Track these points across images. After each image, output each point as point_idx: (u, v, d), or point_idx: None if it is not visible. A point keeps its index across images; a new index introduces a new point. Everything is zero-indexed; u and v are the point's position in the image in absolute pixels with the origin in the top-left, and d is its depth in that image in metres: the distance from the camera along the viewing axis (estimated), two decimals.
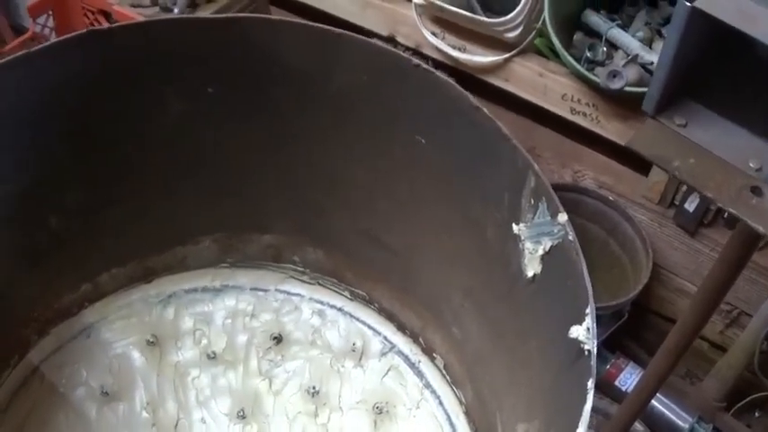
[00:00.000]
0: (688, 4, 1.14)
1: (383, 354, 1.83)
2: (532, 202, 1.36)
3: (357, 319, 1.87)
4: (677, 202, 2.27)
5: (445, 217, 1.58)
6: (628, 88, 1.99)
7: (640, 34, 2.12)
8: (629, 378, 2.36)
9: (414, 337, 1.82)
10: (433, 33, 2.36)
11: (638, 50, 2.07)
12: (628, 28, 2.16)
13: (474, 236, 1.52)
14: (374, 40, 1.52)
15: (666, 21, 2.15)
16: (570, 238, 1.29)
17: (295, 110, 1.61)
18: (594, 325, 1.21)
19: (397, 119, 1.54)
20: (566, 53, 2.10)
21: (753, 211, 1.19)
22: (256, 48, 1.53)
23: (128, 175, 1.68)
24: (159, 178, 1.70)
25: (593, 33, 2.19)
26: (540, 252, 1.35)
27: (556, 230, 1.32)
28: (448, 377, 1.76)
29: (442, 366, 1.77)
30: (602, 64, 2.13)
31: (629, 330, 2.43)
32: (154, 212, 1.74)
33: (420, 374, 1.80)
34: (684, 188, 2.23)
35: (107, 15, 2.43)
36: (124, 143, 1.63)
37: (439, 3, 2.24)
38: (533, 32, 2.23)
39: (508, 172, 1.39)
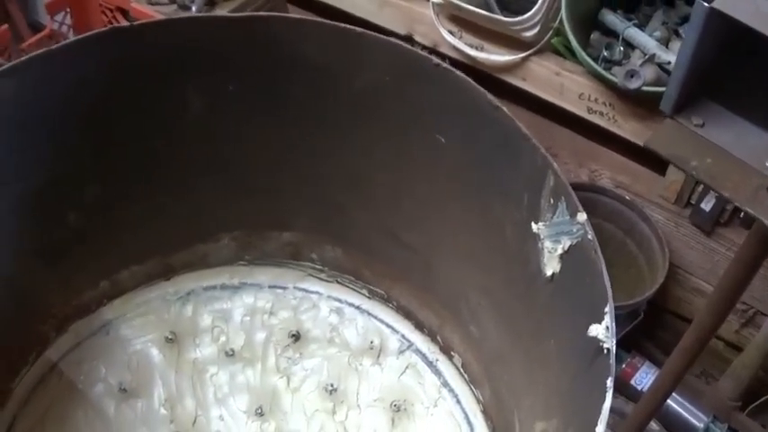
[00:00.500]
0: (706, 4, 1.15)
1: (401, 352, 1.84)
2: (552, 201, 1.36)
3: (375, 317, 1.87)
4: (693, 202, 2.28)
5: (464, 216, 1.58)
6: (645, 88, 1.99)
7: (657, 34, 2.12)
8: (644, 377, 2.37)
9: (431, 335, 1.82)
10: (451, 32, 2.36)
11: (654, 50, 2.07)
12: (644, 27, 2.16)
13: (493, 235, 1.52)
14: (392, 39, 1.52)
15: (683, 20, 2.14)
16: (589, 237, 1.29)
17: (316, 108, 1.61)
18: (614, 324, 1.21)
19: (417, 118, 1.54)
20: (583, 52, 2.10)
21: None
22: (278, 46, 1.53)
23: (147, 173, 1.68)
24: (179, 175, 1.70)
25: (610, 33, 2.19)
26: (560, 251, 1.36)
27: (575, 230, 1.32)
28: (466, 376, 1.76)
29: (459, 365, 1.77)
30: (618, 63, 2.13)
31: (644, 330, 2.43)
32: (173, 210, 1.74)
33: (438, 373, 1.80)
34: (701, 188, 2.24)
35: (125, 13, 2.45)
36: (144, 140, 1.64)
37: (456, 2, 2.25)
38: (550, 31, 2.23)
39: (528, 171, 1.39)
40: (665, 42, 2.12)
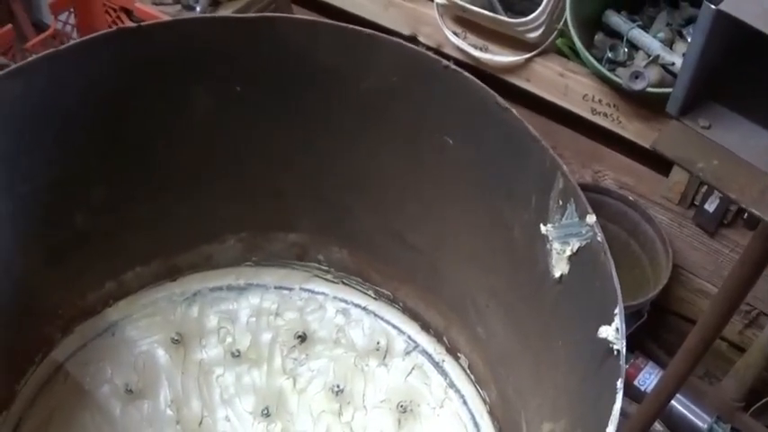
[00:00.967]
0: (713, 6, 1.15)
1: (407, 353, 1.84)
2: (560, 203, 1.36)
3: (381, 318, 1.87)
4: (697, 203, 2.28)
5: (472, 217, 1.58)
6: (649, 89, 1.99)
7: (661, 35, 2.12)
8: (648, 378, 2.37)
9: (438, 336, 1.82)
10: (455, 33, 2.36)
11: (659, 51, 2.07)
12: (648, 29, 2.16)
13: (500, 236, 1.52)
14: (400, 41, 1.52)
15: (687, 22, 2.15)
16: (599, 239, 1.29)
17: (324, 109, 1.61)
18: (623, 325, 1.21)
19: (425, 119, 1.55)
20: (587, 53, 2.10)
21: None
22: (286, 47, 1.54)
23: (154, 173, 1.68)
24: (185, 176, 1.70)
25: (614, 34, 2.19)
26: (568, 253, 1.36)
27: (584, 231, 1.32)
28: (472, 376, 1.77)
29: (466, 366, 1.77)
30: (623, 64, 2.13)
31: (648, 330, 2.43)
32: (179, 211, 1.75)
33: (444, 374, 1.80)
34: (704, 189, 2.24)
35: (128, 13, 2.45)
36: (151, 141, 1.64)
37: (461, 2, 2.25)
38: (555, 33, 2.23)
39: (536, 173, 1.39)
40: (669, 44, 2.12)
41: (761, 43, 1.13)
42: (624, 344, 1.20)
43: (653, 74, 2.02)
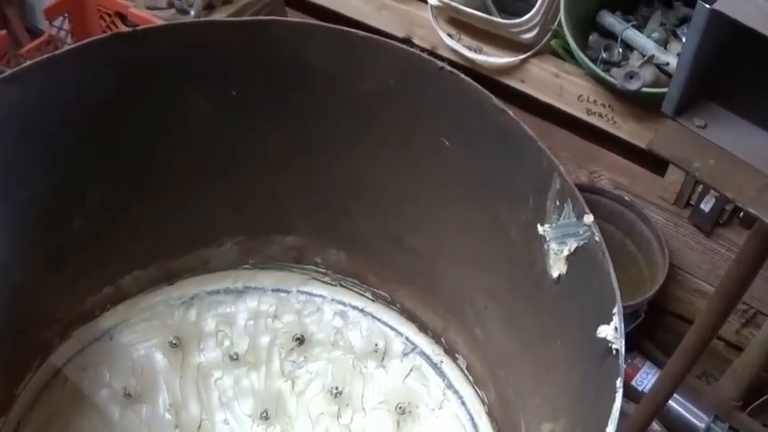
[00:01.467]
0: (708, 6, 1.15)
1: (405, 354, 1.84)
2: (558, 203, 1.36)
3: (379, 320, 1.87)
4: (693, 202, 2.28)
5: (469, 218, 1.58)
6: (644, 89, 2.00)
7: (656, 35, 2.13)
8: (645, 378, 2.37)
9: (436, 337, 1.82)
10: (449, 35, 2.37)
11: (653, 51, 2.08)
12: (643, 29, 2.17)
13: (498, 237, 1.53)
14: (396, 43, 1.53)
15: (681, 21, 2.15)
16: (596, 238, 1.29)
17: (320, 112, 1.61)
18: (622, 325, 1.21)
19: (421, 121, 1.55)
20: (581, 54, 2.11)
21: None
22: (282, 51, 1.54)
23: (151, 178, 1.68)
24: (182, 180, 1.70)
25: (609, 34, 2.20)
26: (566, 253, 1.36)
27: (581, 231, 1.33)
28: (470, 377, 1.76)
29: (464, 367, 1.77)
30: (617, 65, 2.14)
31: (645, 330, 2.44)
32: (176, 214, 1.74)
33: (442, 375, 1.80)
34: (700, 188, 2.24)
35: (123, 18, 2.45)
36: (148, 145, 1.64)
37: (455, 4, 2.25)
38: (549, 33, 2.24)
39: (533, 174, 1.39)
40: (664, 43, 2.12)
41: (756, 42, 1.14)
42: (623, 343, 1.20)
43: (648, 74, 2.03)
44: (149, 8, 2.43)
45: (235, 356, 1.83)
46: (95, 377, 1.77)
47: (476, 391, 1.76)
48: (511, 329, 1.59)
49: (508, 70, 2.32)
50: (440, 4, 2.29)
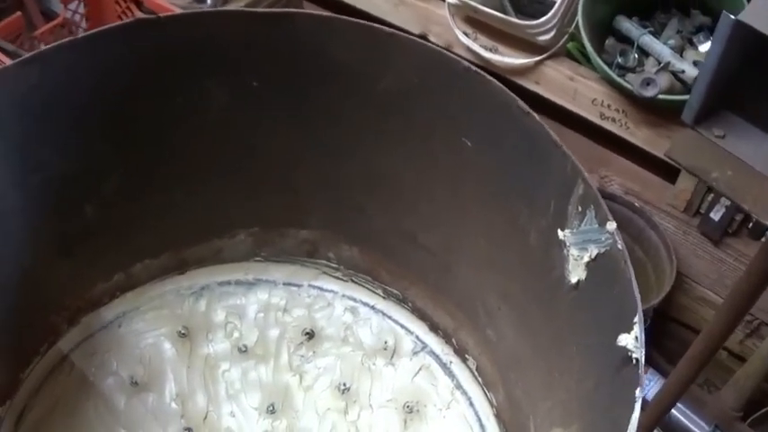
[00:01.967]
0: (732, 17, 1.15)
1: (415, 353, 1.83)
2: (580, 209, 1.36)
3: (389, 318, 1.86)
4: (703, 211, 2.28)
5: (487, 220, 1.58)
6: (659, 96, 1.99)
7: (672, 42, 2.13)
8: (648, 385, 2.37)
9: (446, 337, 1.81)
10: (466, 33, 2.36)
11: (669, 58, 2.08)
12: (659, 35, 2.16)
13: (516, 239, 1.52)
14: (421, 41, 1.52)
15: (698, 29, 2.15)
16: (619, 246, 1.29)
17: (341, 107, 1.60)
18: (643, 334, 1.21)
19: (443, 120, 1.54)
20: (597, 58, 2.10)
21: None
22: (305, 44, 1.53)
23: (166, 166, 1.67)
24: (198, 170, 1.69)
25: (625, 39, 2.20)
26: (586, 259, 1.35)
27: (603, 238, 1.32)
28: (480, 379, 1.76)
29: (474, 368, 1.77)
30: (632, 70, 2.14)
31: (648, 337, 2.43)
32: (190, 204, 1.74)
33: (451, 375, 1.80)
34: (710, 197, 2.24)
35: (138, 3, 2.44)
36: (165, 134, 1.63)
37: (472, 3, 2.25)
38: (566, 36, 2.23)
39: (556, 178, 1.38)
40: (680, 51, 2.12)
41: None
42: (644, 352, 1.20)
43: (663, 81, 2.02)
44: None
45: (243, 349, 1.82)
46: (102, 364, 1.76)
47: (484, 392, 1.75)
48: (524, 332, 1.59)
49: (523, 71, 2.31)
50: (458, 2, 2.28)
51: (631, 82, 2.05)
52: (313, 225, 1.83)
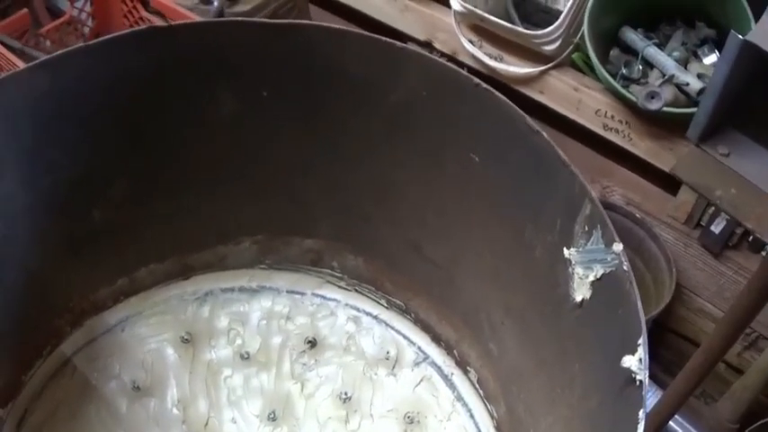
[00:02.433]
0: (740, 37, 1.16)
1: (416, 364, 1.84)
2: (586, 228, 1.36)
3: (392, 328, 1.86)
4: (703, 223, 2.29)
5: (493, 235, 1.58)
6: (663, 108, 2.00)
7: (676, 54, 2.13)
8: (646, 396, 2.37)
9: (448, 349, 1.81)
10: (471, 41, 2.36)
11: (673, 71, 2.08)
12: (664, 47, 2.17)
13: (521, 256, 1.52)
14: (433, 56, 1.53)
15: (702, 42, 2.16)
16: (624, 267, 1.29)
17: (349, 119, 1.61)
18: (647, 356, 1.22)
19: (452, 135, 1.54)
20: (602, 69, 2.11)
21: None
22: (316, 55, 1.53)
23: (174, 172, 1.68)
24: (205, 177, 1.70)
25: (630, 50, 2.20)
26: (591, 278, 1.36)
27: (609, 259, 1.33)
28: (481, 391, 1.76)
29: (475, 380, 1.77)
30: (636, 81, 2.14)
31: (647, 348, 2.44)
32: (197, 210, 1.74)
33: (452, 387, 1.80)
34: (711, 210, 2.25)
35: (145, 3, 2.43)
36: (173, 140, 1.63)
37: (479, 12, 2.25)
38: (571, 46, 2.24)
39: (563, 197, 1.39)
40: (684, 63, 2.13)
41: None
42: (647, 374, 1.21)
43: (667, 93, 2.03)
44: None
45: (246, 355, 1.83)
46: (105, 368, 1.77)
47: (485, 405, 1.75)
48: (527, 347, 1.59)
49: (528, 80, 2.32)
50: (464, 10, 2.28)
51: (636, 95, 2.06)
52: (318, 234, 1.83)
